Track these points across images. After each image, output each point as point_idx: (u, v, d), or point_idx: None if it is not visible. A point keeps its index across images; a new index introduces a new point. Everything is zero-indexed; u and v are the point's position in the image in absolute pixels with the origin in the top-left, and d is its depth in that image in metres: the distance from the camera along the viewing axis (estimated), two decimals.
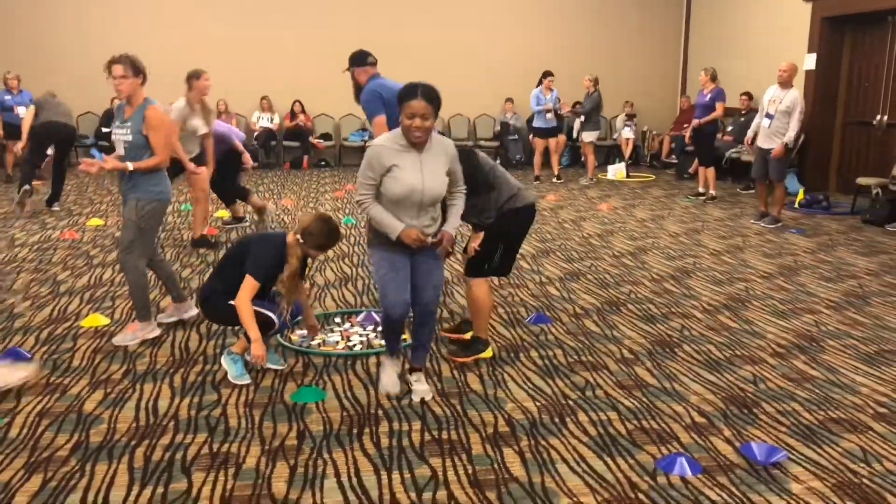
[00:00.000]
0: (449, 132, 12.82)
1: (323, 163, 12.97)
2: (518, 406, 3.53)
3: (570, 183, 11.13)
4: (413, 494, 2.77)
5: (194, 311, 4.70)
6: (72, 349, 4.21)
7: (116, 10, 12.11)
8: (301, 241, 3.67)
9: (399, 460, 3.01)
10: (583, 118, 10.99)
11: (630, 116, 13.05)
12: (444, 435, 3.23)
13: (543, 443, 3.17)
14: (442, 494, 2.77)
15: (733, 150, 10.72)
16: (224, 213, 8.03)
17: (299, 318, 4.06)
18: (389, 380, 3.63)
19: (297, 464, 2.98)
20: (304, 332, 4.51)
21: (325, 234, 3.68)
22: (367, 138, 12.20)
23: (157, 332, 4.42)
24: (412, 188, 3.25)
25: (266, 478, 2.88)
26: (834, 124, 10.38)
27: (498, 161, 13.10)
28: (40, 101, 8.53)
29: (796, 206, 8.97)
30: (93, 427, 3.28)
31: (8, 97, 10.54)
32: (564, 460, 3.02)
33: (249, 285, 3.65)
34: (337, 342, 4.35)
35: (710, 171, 9.68)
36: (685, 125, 11.41)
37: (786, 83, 7.69)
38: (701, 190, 9.84)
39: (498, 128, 13.10)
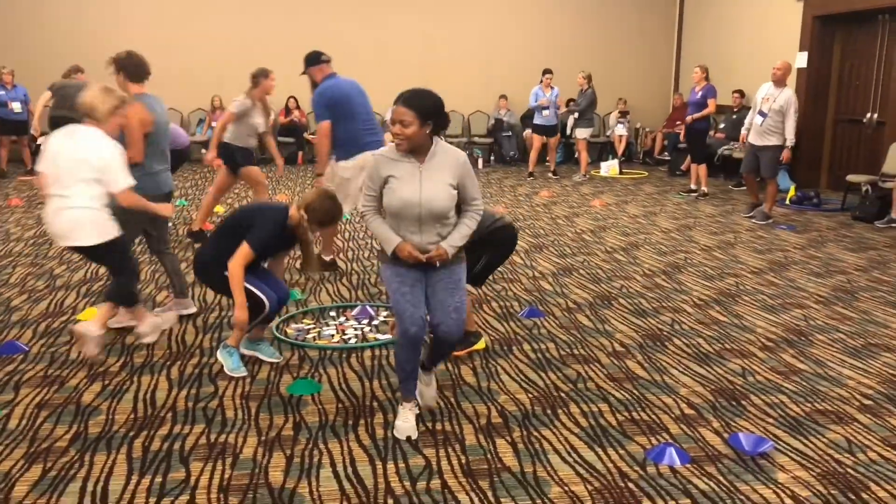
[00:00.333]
0: None
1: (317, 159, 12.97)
2: (511, 398, 3.58)
3: (563, 179, 11.19)
4: (407, 483, 2.82)
5: (193, 309, 4.74)
6: (69, 342, 4.24)
7: (112, 5, 12.10)
8: (305, 216, 3.74)
9: (394, 450, 3.07)
10: (577, 115, 11.06)
11: (623, 113, 13.11)
12: (438, 426, 3.28)
13: (536, 433, 3.22)
14: (436, 483, 2.82)
15: (725, 147, 10.79)
16: (220, 209, 8.06)
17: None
18: (406, 424, 3.20)
19: (294, 454, 3.03)
20: (300, 325, 4.56)
21: (328, 211, 3.77)
22: None
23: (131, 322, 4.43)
24: (407, 201, 3.00)
25: (263, 467, 2.93)
26: (825, 122, 10.47)
27: (492, 158, 13.20)
28: (58, 90, 8.22)
29: (787, 202, 9.05)
30: (91, 418, 3.32)
31: (2, 92, 10.53)
32: (556, 450, 3.08)
33: (244, 253, 3.67)
34: (332, 336, 4.40)
35: (702, 168, 9.76)
36: (678, 122, 11.49)
37: (780, 81, 7.75)
38: (693, 187, 9.92)
39: (492, 123, 13.15)
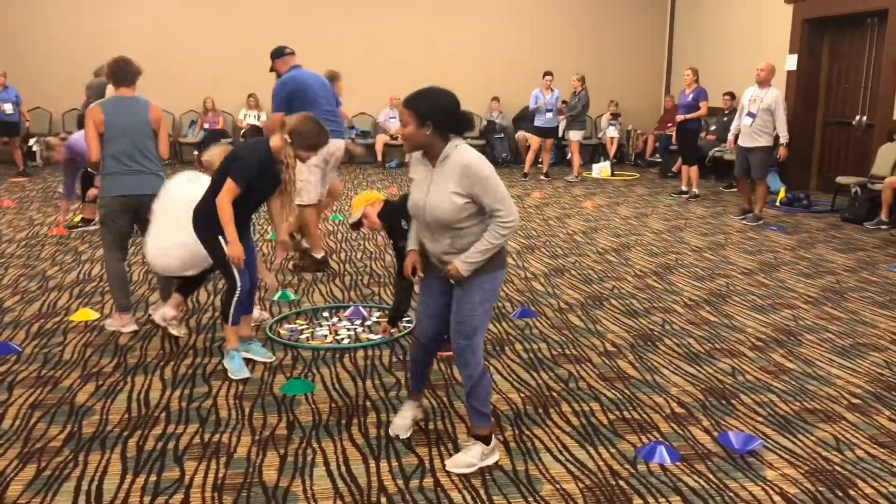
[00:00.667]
0: None
1: None
2: (503, 397, 3.61)
3: (555, 181, 11.23)
4: (400, 482, 2.85)
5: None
6: (62, 343, 4.25)
7: (105, 7, 12.08)
8: (289, 141, 3.65)
9: (387, 449, 3.09)
10: (570, 117, 11.11)
11: (615, 116, 13.16)
12: (431, 425, 3.30)
13: (528, 432, 3.25)
14: (429, 481, 2.85)
15: (716, 149, 10.85)
16: None
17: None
18: (402, 422, 3.23)
19: (287, 453, 3.05)
20: (293, 326, 4.58)
21: (315, 133, 3.67)
22: (352, 136, 12.22)
23: (132, 327, 4.46)
24: (415, 205, 2.91)
25: (257, 466, 2.94)
26: (814, 124, 10.54)
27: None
28: (95, 89, 7.90)
29: (777, 204, 9.11)
30: (85, 418, 3.34)
31: None
32: (548, 449, 3.11)
33: (229, 187, 3.59)
34: (325, 336, 4.41)
35: (694, 170, 9.81)
36: (669, 124, 11.55)
37: (764, 82, 7.83)
38: (684, 188, 9.97)
39: (484, 125, 13.18)
